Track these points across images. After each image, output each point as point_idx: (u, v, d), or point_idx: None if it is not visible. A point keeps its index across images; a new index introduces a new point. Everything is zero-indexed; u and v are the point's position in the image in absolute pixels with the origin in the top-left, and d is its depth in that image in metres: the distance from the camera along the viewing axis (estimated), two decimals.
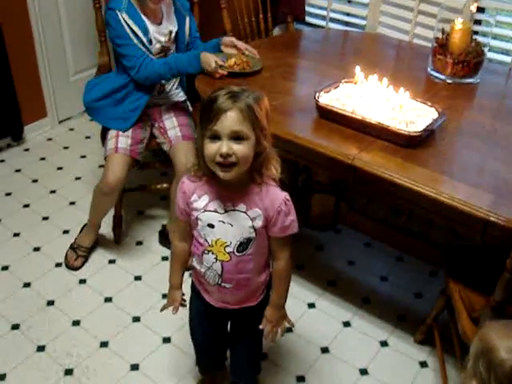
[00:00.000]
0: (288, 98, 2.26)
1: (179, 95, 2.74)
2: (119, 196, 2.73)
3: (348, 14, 3.20)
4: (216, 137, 1.45)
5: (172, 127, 2.61)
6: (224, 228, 1.58)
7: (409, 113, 2.01)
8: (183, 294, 1.82)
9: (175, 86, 2.71)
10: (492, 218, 1.65)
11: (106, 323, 2.40)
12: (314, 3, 3.24)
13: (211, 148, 1.46)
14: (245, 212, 1.55)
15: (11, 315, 2.41)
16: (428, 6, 2.83)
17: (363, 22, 3.10)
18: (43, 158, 3.46)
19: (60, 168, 3.38)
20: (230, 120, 1.43)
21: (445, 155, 1.95)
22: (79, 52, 3.74)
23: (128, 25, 2.40)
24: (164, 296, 2.47)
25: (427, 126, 1.94)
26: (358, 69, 2.16)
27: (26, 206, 3.06)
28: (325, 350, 2.31)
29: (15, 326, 2.36)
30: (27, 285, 2.56)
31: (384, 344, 2.35)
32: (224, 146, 1.44)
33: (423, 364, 2.28)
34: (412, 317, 2.47)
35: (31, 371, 2.19)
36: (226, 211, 1.57)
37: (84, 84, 2.70)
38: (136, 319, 2.42)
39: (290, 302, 2.45)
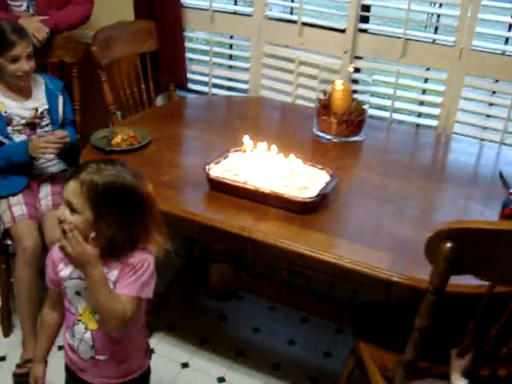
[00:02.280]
0: (178, 172, 2.21)
1: (57, 166, 2.65)
2: (7, 286, 2.55)
3: (230, 79, 3.23)
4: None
5: (45, 196, 2.53)
6: (89, 295, 1.51)
7: (301, 178, 2.01)
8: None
9: (52, 158, 2.60)
10: (394, 278, 1.65)
11: None
12: (196, 70, 3.24)
13: (57, 211, 1.49)
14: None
15: None
16: (307, 67, 2.89)
17: (245, 86, 3.13)
18: None
19: None
20: (69, 189, 1.44)
21: (340, 217, 1.96)
22: None
23: None
24: None
25: (320, 191, 1.94)
26: (246, 138, 2.15)
27: None
28: None
29: None
30: None
31: None
32: (59, 211, 1.46)
33: None
34: (325, 378, 2.45)
35: None
36: None
37: None
38: None
39: (198, 378, 2.40)
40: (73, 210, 1.42)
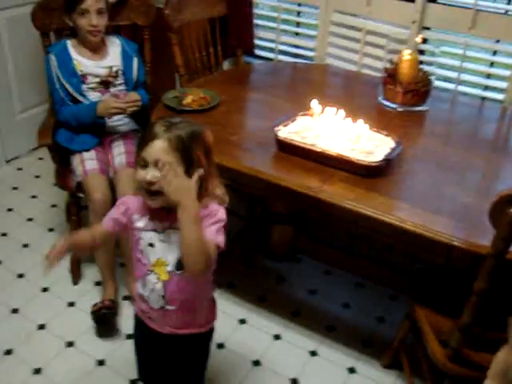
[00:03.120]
0: (245, 133, 2.28)
1: (129, 125, 2.74)
2: None
3: (297, 47, 3.26)
4: (145, 164, 1.49)
5: (118, 154, 2.62)
6: (163, 247, 1.59)
7: (367, 143, 2.05)
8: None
9: (123, 117, 2.70)
10: (455, 243, 1.70)
11: (70, 369, 2.33)
12: (263, 36, 3.29)
13: (139, 175, 1.52)
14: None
15: None
16: (374, 37, 2.91)
17: (311, 54, 3.17)
18: None
19: (10, 209, 3.29)
20: (156, 148, 1.47)
21: (404, 183, 2.00)
22: (25, 90, 3.67)
23: (55, 68, 2.55)
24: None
25: (386, 156, 1.99)
26: (314, 102, 2.20)
27: None
28: (294, 382, 2.31)
29: None
30: None
31: (352, 371, 2.37)
32: (148, 174, 1.48)
33: None
34: (377, 342, 2.50)
35: None
36: (164, 230, 1.59)
37: (31, 122, 2.67)
38: (101, 362, 2.36)
39: (254, 334, 2.50)
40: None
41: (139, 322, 1.80)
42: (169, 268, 1.60)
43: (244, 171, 2.02)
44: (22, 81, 3.63)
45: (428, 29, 2.82)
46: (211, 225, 1.54)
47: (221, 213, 1.57)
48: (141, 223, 1.61)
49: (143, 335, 1.82)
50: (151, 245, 1.61)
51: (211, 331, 1.84)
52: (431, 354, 1.85)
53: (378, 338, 2.52)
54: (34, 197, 3.41)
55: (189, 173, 1.49)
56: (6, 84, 3.56)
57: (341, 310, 2.68)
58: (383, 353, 2.39)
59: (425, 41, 2.81)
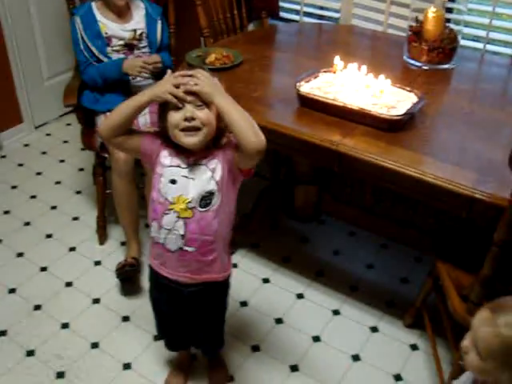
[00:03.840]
0: (268, 90, 2.28)
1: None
2: (102, 196, 2.73)
3: (321, 8, 3.23)
4: (177, 106, 1.53)
5: (142, 114, 2.60)
6: (186, 183, 1.60)
7: (389, 98, 2.03)
8: None
9: (147, 77, 2.70)
10: (477, 195, 1.68)
11: (96, 324, 2.38)
12: None
13: (175, 116, 1.54)
14: (205, 164, 1.60)
15: None
16: None
17: (337, 15, 3.13)
18: (21, 165, 3.43)
19: (39, 173, 3.35)
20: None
21: (427, 137, 1.98)
22: (53, 56, 3.71)
23: (80, 30, 2.57)
24: None
25: (408, 110, 1.97)
26: (337, 58, 2.18)
27: (7, 212, 3.02)
28: (316, 339, 2.33)
29: (2, 333, 2.33)
30: (12, 291, 2.53)
31: (374, 330, 2.37)
32: (188, 110, 1.52)
33: (414, 347, 2.30)
34: (400, 302, 2.50)
35: (22, 376, 2.16)
36: (188, 166, 1.61)
37: (59, 88, 2.70)
38: (126, 318, 2.41)
39: (278, 293, 2.52)
40: (201, 105, 1.53)
41: (154, 277, 1.82)
42: (191, 205, 1.60)
43: (266, 126, 1.99)
44: (50, 47, 3.67)
45: None
46: None
47: None
48: (166, 160, 1.63)
49: (159, 291, 1.84)
50: (173, 181, 1.61)
51: (227, 282, 1.84)
52: (452, 308, 1.84)
53: (402, 298, 2.52)
54: (62, 161, 3.47)
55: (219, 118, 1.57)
56: (33, 51, 3.60)
57: (364, 271, 2.68)
58: (406, 312, 2.38)
59: None
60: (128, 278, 2.50)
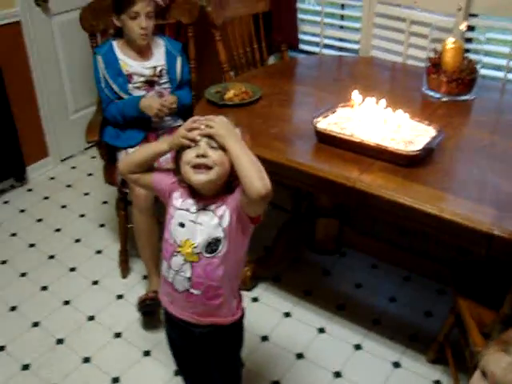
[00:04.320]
0: (286, 125, 2.28)
1: (177, 121, 2.78)
2: (124, 230, 2.75)
3: (341, 40, 3.25)
4: (189, 144, 1.55)
5: None
6: (193, 228, 1.60)
7: (407, 133, 2.03)
8: None
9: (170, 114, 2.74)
10: (496, 232, 1.65)
11: (117, 359, 2.39)
12: (307, 31, 3.29)
13: (189, 154, 1.55)
14: (212, 210, 1.59)
15: (21, 355, 2.41)
16: (419, 27, 2.86)
17: (356, 47, 3.14)
18: (47, 197, 3.49)
19: (64, 206, 3.40)
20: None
21: (445, 172, 1.96)
22: (78, 91, 3.79)
23: (101, 68, 2.64)
24: None
25: (426, 145, 1.96)
26: (355, 92, 2.19)
27: (32, 245, 3.07)
28: (337, 375, 2.30)
29: (25, 367, 2.36)
30: (36, 324, 2.56)
31: (397, 365, 2.34)
32: (201, 148, 1.53)
33: (437, 383, 2.26)
34: (423, 336, 2.46)
35: None
36: (197, 210, 1.61)
37: (84, 122, 2.76)
38: (147, 353, 2.41)
39: (298, 327, 2.50)
40: (215, 147, 1.54)
41: (165, 312, 1.82)
42: (197, 250, 1.61)
43: (283, 163, 2.02)
44: (75, 82, 3.75)
45: (475, 16, 2.75)
46: None
47: None
48: (177, 202, 1.64)
49: (171, 327, 1.85)
50: (181, 225, 1.62)
51: (237, 325, 1.81)
52: (473, 345, 1.81)
53: (425, 332, 2.48)
54: (86, 194, 3.52)
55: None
56: (60, 86, 3.69)
57: (387, 304, 2.66)
58: (429, 348, 2.35)
59: (471, 28, 2.74)
60: (149, 311, 2.51)
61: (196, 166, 1.54)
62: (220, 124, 1.55)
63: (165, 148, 1.63)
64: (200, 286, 1.64)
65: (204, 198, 1.61)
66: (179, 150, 1.60)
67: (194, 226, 1.60)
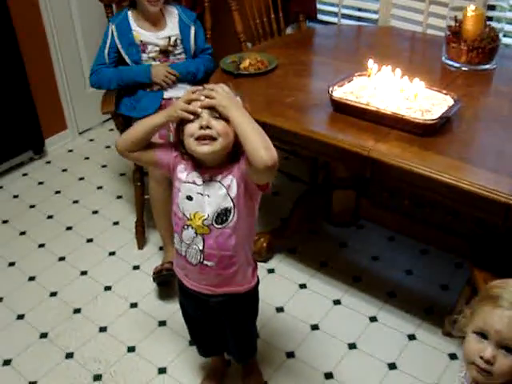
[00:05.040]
0: (302, 95, 2.25)
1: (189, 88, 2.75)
2: (141, 202, 2.76)
3: (360, 9, 3.19)
4: (193, 117, 1.52)
5: None
6: (201, 200, 1.59)
7: (424, 102, 1.99)
8: None
9: (183, 82, 2.73)
10: None
11: (133, 328, 2.41)
12: (325, 0, 3.23)
13: (191, 126, 1.52)
14: (219, 181, 1.58)
15: (39, 324, 2.44)
16: None
17: (375, 16, 3.09)
18: (65, 170, 3.51)
19: (82, 178, 3.42)
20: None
21: (463, 142, 1.93)
22: None
23: (115, 38, 2.64)
24: None
25: (443, 114, 1.92)
26: (370, 62, 2.15)
27: (50, 217, 3.09)
28: (352, 346, 2.30)
29: (43, 335, 2.39)
30: (54, 294, 2.59)
31: (412, 337, 2.33)
32: (204, 119, 1.50)
33: (452, 356, 2.24)
34: (439, 309, 2.44)
35: (61, 378, 2.21)
36: (203, 182, 1.59)
37: (102, 95, 2.76)
38: (162, 323, 2.43)
39: (314, 299, 2.50)
40: (218, 117, 1.51)
41: (179, 283, 1.82)
42: (207, 222, 1.60)
43: (298, 132, 2.00)
44: (92, 55, 3.71)
45: None
46: None
47: None
48: (183, 175, 1.63)
49: (185, 299, 1.85)
50: (189, 198, 1.61)
51: (252, 293, 1.82)
52: None
53: (441, 305, 2.46)
54: (104, 166, 3.53)
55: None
56: (77, 59, 3.69)
57: (403, 277, 2.64)
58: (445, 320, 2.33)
59: None
60: (165, 282, 2.52)
61: (200, 138, 1.51)
62: (222, 94, 1.52)
63: (162, 121, 1.59)
64: (213, 257, 1.64)
65: (209, 168, 1.59)
66: (180, 123, 1.57)
67: (202, 198, 1.59)
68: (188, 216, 1.62)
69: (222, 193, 1.57)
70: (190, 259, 1.67)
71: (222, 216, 1.59)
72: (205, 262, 1.65)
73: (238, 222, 1.61)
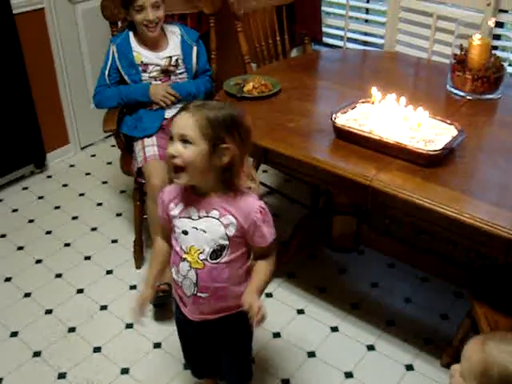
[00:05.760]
0: (305, 120, 2.24)
1: None
2: (139, 221, 2.74)
3: (366, 34, 3.19)
4: (171, 138, 1.52)
5: (151, 145, 2.64)
6: (197, 235, 1.59)
7: (427, 131, 1.98)
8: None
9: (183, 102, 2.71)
10: None
11: (127, 349, 2.38)
12: (331, 24, 3.24)
13: (167, 149, 1.53)
14: (217, 219, 1.57)
15: (33, 342, 2.41)
16: (445, 22, 2.80)
17: (381, 41, 3.09)
18: (65, 185, 3.49)
19: (82, 194, 3.40)
20: (180, 123, 1.50)
21: (465, 173, 1.91)
22: None
23: (115, 58, 2.65)
24: None
25: (446, 145, 1.91)
26: (374, 89, 2.14)
27: (49, 232, 3.07)
28: (349, 375, 2.26)
29: (37, 353, 2.36)
30: (49, 311, 2.57)
31: (409, 368, 2.29)
32: (170, 147, 1.50)
33: None
34: (438, 339, 2.41)
35: None
36: (199, 218, 1.58)
37: (105, 110, 2.76)
38: (157, 345, 2.40)
39: (311, 325, 2.47)
40: (186, 142, 1.48)
41: (177, 307, 1.81)
42: (202, 256, 1.60)
43: (299, 158, 1.99)
44: (97, 71, 3.71)
45: (505, 11, 2.67)
46: (267, 231, 1.60)
47: (265, 208, 1.59)
48: (176, 211, 1.63)
49: (180, 320, 1.84)
50: (184, 232, 1.61)
51: (246, 311, 1.81)
52: None
53: (440, 335, 2.43)
54: (104, 182, 3.51)
55: (218, 155, 1.50)
56: (82, 74, 3.70)
57: (402, 305, 2.61)
58: (444, 351, 2.30)
59: (500, 25, 2.66)
60: (161, 304, 2.49)
61: (172, 167, 1.53)
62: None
63: None
64: (206, 289, 1.65)
65: (203, 203, 1.58)
66: None
67: (198, 233, 1.59)
68: (184, 249, 1.63)
69: (220, 231, 1.57)
70: (185, 290, 1.68)
71: (217, 252, 1.59)
72: (198, 294, 1.66)
73: (233, 257, 1.61)
